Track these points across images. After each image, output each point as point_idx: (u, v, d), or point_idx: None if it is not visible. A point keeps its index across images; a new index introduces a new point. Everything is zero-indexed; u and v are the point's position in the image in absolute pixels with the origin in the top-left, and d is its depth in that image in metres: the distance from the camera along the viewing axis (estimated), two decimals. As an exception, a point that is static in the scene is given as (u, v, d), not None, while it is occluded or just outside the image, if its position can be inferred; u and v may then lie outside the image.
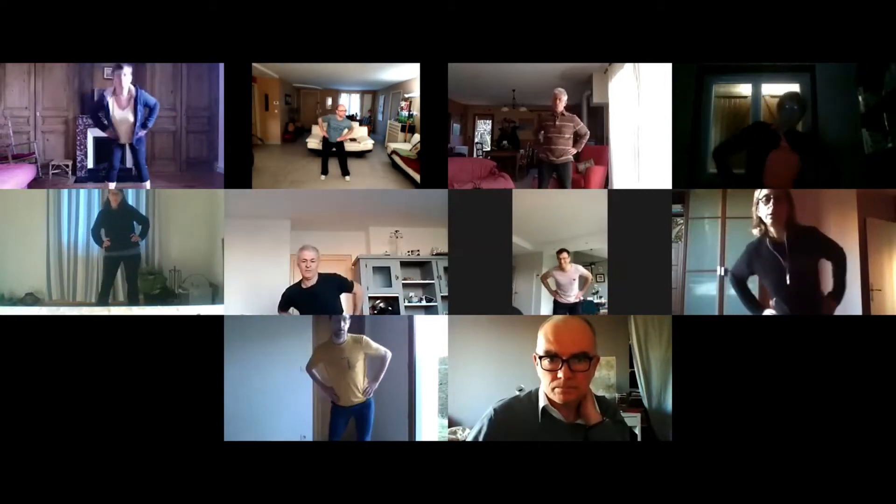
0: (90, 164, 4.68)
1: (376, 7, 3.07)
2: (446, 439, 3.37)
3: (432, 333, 3.74)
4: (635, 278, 3.17)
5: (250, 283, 3.90)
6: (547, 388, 2.00)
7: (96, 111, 3.83)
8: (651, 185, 3.35)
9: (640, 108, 3.66)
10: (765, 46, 3.08)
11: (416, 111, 3.98)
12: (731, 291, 3.23)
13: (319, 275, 3.60)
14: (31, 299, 4.03)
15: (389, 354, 3.61)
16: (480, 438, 2.05)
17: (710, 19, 3.07)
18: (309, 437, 3.89)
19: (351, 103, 4.79)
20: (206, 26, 3.07)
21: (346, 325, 3.53)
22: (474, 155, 4.29)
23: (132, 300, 3.98)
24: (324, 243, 3.64)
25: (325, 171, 4.14)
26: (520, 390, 2.16)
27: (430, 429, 3.82)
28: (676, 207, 3.45)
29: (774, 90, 3.41)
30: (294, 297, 3.57)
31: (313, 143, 4.40)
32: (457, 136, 4.24)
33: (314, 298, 3.55)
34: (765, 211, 2.94)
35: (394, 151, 4.39)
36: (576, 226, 3.99)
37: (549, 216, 3.80)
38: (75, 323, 3.11)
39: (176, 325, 3.11)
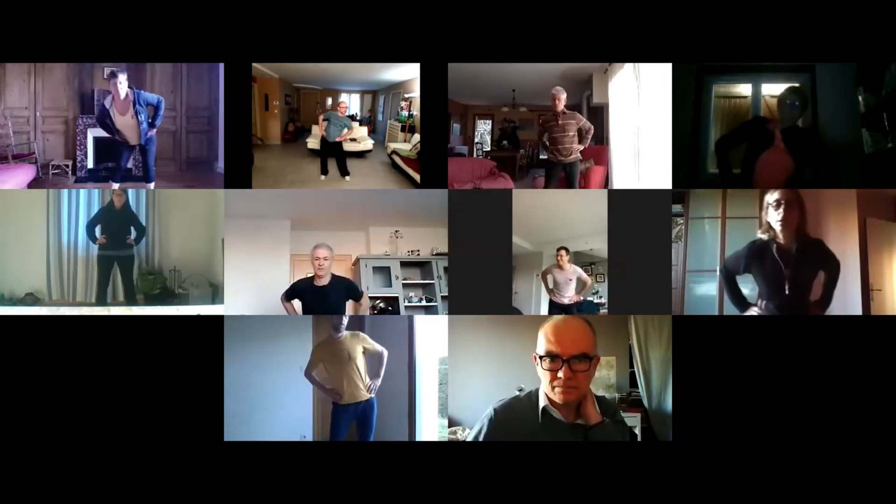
0: (90, 164, 4.68)
1: (376, 7, 3.07)
2: (446, 439, 3.37)
3: (432, 333, 3.74)
4: (635, 278, 3.17)
5: (250, 283, 3.90)
6: (547, 388, 2.00)
7: (103, 119, 3.85)
8: (651, 185, 3.35)
9: (640, 108, 3.66)
10: (765, 46, 3.08)
11: (416, 111, 3.98)
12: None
13: (333, 275, 3.61)
14: (31, 299, 4.03)
15: (386, 352, 3.63)
16: (480, 438, 2.05)
17: (710, 19, 3.07)
18: (309, 437, 3.89)
19: (351, 103, 4.79)
20: (206, 26, 3.07)
21: (345, 321, 3.56)
22: (474, 155, 4.29)
23: (130, 300, 3.98)
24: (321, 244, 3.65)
25: (324, 171, 4.14)
26: (520, 390, 2.16)
27: (430, 429, 3.82)
28: (676, 207, 3.45)
29: (774, 90, 3.41)
30: (303, 291, 3.57)
31: (313, 143, 4.40)
32: (457, 136, 4.24)
33: (324, 297, 3.55)
34: (775, 216, 2.90)
35: (394, 151, 4.39)
36: (576, 226, 3.99)
37: (549, 216, 3.80)
38: (75, 323, 3.11)
39: (176, 325, 3.11)
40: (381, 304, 4.57)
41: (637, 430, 3.50)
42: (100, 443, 3.00)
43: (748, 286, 3.10)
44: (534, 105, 4.29)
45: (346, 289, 3.65)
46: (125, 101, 3.72)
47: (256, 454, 3.04)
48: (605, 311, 3.36)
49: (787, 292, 2.94)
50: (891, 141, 3.25)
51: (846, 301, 3.21)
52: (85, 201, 4.13)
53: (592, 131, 3.82)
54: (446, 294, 3.30)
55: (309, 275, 3.63)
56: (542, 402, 2.02)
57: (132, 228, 3.99)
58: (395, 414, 3.95)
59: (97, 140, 4.67)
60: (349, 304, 3.71)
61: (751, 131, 3.31)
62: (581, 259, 4.22)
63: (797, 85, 3.29)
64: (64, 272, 4.18)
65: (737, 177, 3.29)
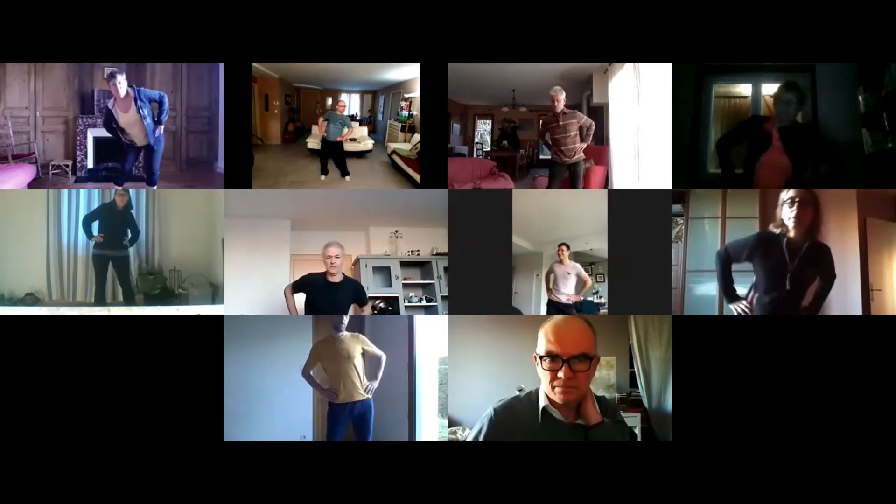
0: (90, 164, 4.68)
1: (376, 7, 3.07)
2: (446, 439, 3.37)
3: (432, 333, 3.74)
4: (635, 278, 3.17)
5: (250, 283, 3.90)
6: (547, 388, 2.00)
7: (109, 123, 3.80)
8: (651, 185, 3.35)
9: (640, 108, 3.66)
10: (765, 46, 3.08)
11: (416, 111, 3.99)
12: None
13: (345, 275, 3.61)
14: (31, 299, 4.03)
15: (385, 357, 3.62)
16: (480, 438, 2.05)
17: (710, 19, 3.07)
18: (309, 437, 3.89)
19: (351, 103, 4.79)
20: (206, 26, 3.07)
21: (346, 321, 3.56)
22: (474, 155, 4.30)
23: (128, 300, 3.98)
24: (324, 243, 3.64)
25: (324, 171, 4.14)
26: (520, 390, 2.16)
27: (430, 429, 3.83)
28: (676, 207, 3.45)
29: (774, 90, 3.41)
30: (313, 285, 3.53)
31: (313, 143, 4.40)
32: (457, 136, 4.24)
33: (334, 295, 3.53)
34: (789, 213, 2.95)
35: (394, 151, 4.39)
36: (576, 226, 4.00)
37: (549, 216, 3.80)
38: (75, 323, 3.11)
39: (176, 325, 3.11)
40: (382, 304, 4.57)
41: (637, 430, 3.50)
42: (100, 443, 3.00)
43: (741, 283, 3.10)
44: (534, 105, 4.30)
45: (355, 290, 3.63)
46: (126, 98, 3.70)
47: (256, 454, 3.04)
48: (605, 311, 3.36)
49: (787, 287, 2.95)
50: (891, 141, 3.25)
51: (846, 301, 3.21)
52: (85, 201, 4.13)
53: (594, 127, 3.81)
54: (446, 294, 3.30)
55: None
56: (542, 402, 2.02)
57: (128, 230, 3.99)
58: (395, 414, 3.95)
59: (97, 140, 4.67)
60: (352, 307, 3.71)
61: (750, 130, 3.30)
62: (581, 259, 4.22)
63: (793, 80, 3.28)
64: (64, 272, 4.18)
65: (739, 177, 3.29)
